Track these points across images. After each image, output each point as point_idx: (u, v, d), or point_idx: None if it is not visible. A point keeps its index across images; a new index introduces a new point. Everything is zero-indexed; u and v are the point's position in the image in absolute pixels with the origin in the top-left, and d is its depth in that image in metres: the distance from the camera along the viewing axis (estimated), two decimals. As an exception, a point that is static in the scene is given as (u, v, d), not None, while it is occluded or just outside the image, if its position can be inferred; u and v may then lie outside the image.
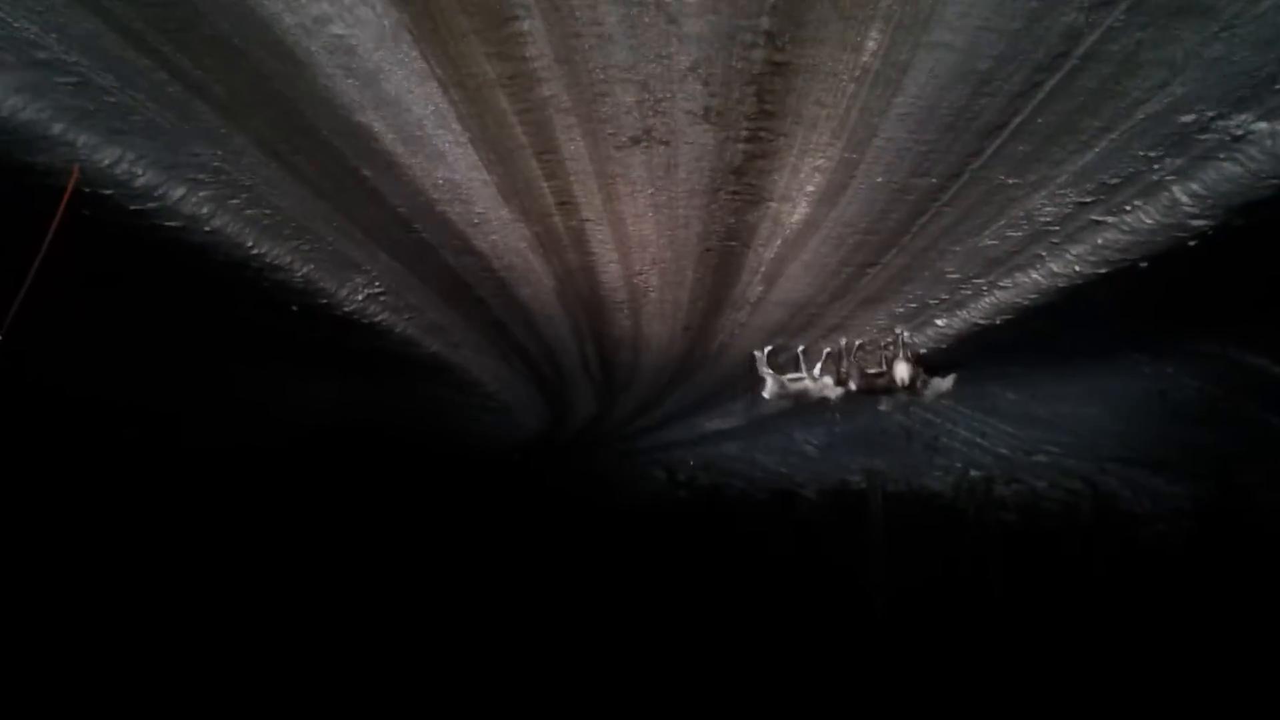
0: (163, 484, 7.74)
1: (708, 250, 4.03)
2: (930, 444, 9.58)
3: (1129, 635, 9.45)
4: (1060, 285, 4.25)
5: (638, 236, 3.84)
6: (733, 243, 3.94)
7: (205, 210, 3.37)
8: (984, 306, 4.76)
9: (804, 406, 5.91)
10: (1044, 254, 4.01)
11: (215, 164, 3.11)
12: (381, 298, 4.64)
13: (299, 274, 4.05)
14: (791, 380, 5.55)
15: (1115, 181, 3.26)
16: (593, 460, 11.46)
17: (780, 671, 10.59)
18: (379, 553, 10.03)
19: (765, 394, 5.61)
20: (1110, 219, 3.58)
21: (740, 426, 9.18)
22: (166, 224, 3.38)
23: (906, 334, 5.47)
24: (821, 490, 11.24)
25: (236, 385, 6.60)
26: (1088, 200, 3.43)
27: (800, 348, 5.81)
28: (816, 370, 5.59)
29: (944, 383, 5.55)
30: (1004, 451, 9.28)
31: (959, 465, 9.83)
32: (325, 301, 4.45)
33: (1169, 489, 9.04)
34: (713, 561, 11.50)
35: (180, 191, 3.22)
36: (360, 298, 4.54)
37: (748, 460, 10.82)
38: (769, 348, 5.59)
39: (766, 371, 5.58)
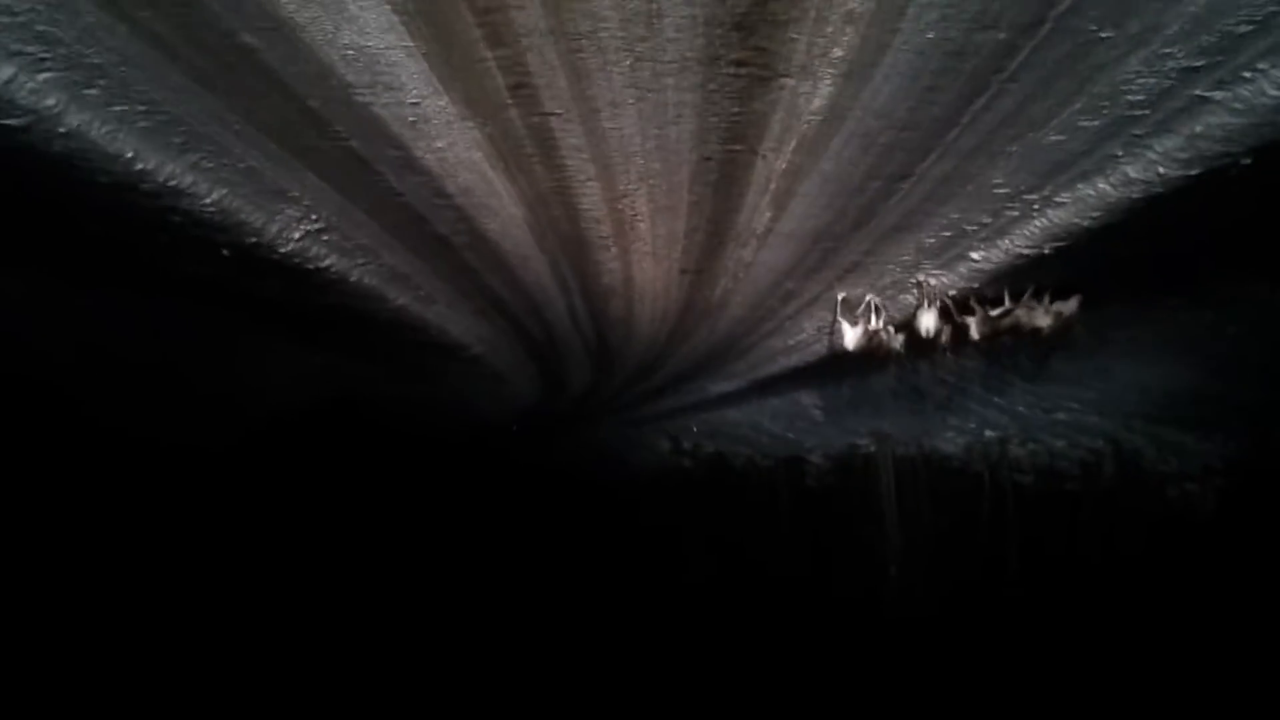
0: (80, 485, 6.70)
1: (705, 160, 3.09)
2: (942, 404, 8.65)
3: (1150, 599, 8.59)
4: (1132, 198, 3.30)
5: (617, 139, 2.90)
6: (736, 146, 3.00)
7: (53, 102, 2.44)
8: (1031, 232, 3.80)
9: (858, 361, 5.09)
10: (1119, 153, 3.05)
11: (40, 26, 2.17)
12: (324, 236, 3.71)
13: (209, 200, 3.12)
14: (873, 331, 4.68)
15: (1244, 30, 2.30)
16: (594, 430, 10.56)
17: (790, 643, 9.80)
18: (371, 544, 9.17)
19: (849, 345, 4.72)
20: (1219, 94, 2.62)
21: (744, 389, 8.26)
22: (4, 122, 2.45)
23: (934, 273, 4.54)
24: (829, 455, 10.33)
25: (178, 360, 5.66)
26: (1198, 64, 2.47)
27: (815, 293, 4.89)
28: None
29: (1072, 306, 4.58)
30: (1021, 410, 8.34)
31: (973, 426, 8.90)
32: (255, 240, 3.52)
33: (1198, 446, 8.10)
34: (720, 531, 10.64)
35: (8, 71, 2.29)
36: (297, 235, 3.60)
37: (753, 425, 9.91)
38: (843, 295, 4.70)
39: (847, 321, 4.71)
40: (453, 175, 3.17)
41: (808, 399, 8.98)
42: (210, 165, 2.96)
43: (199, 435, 6.92)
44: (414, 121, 2.75)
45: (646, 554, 10.64)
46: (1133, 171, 3.14)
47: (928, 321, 4.65)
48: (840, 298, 4.72)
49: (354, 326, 5.11)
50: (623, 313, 5.23)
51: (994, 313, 4.41)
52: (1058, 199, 3.46)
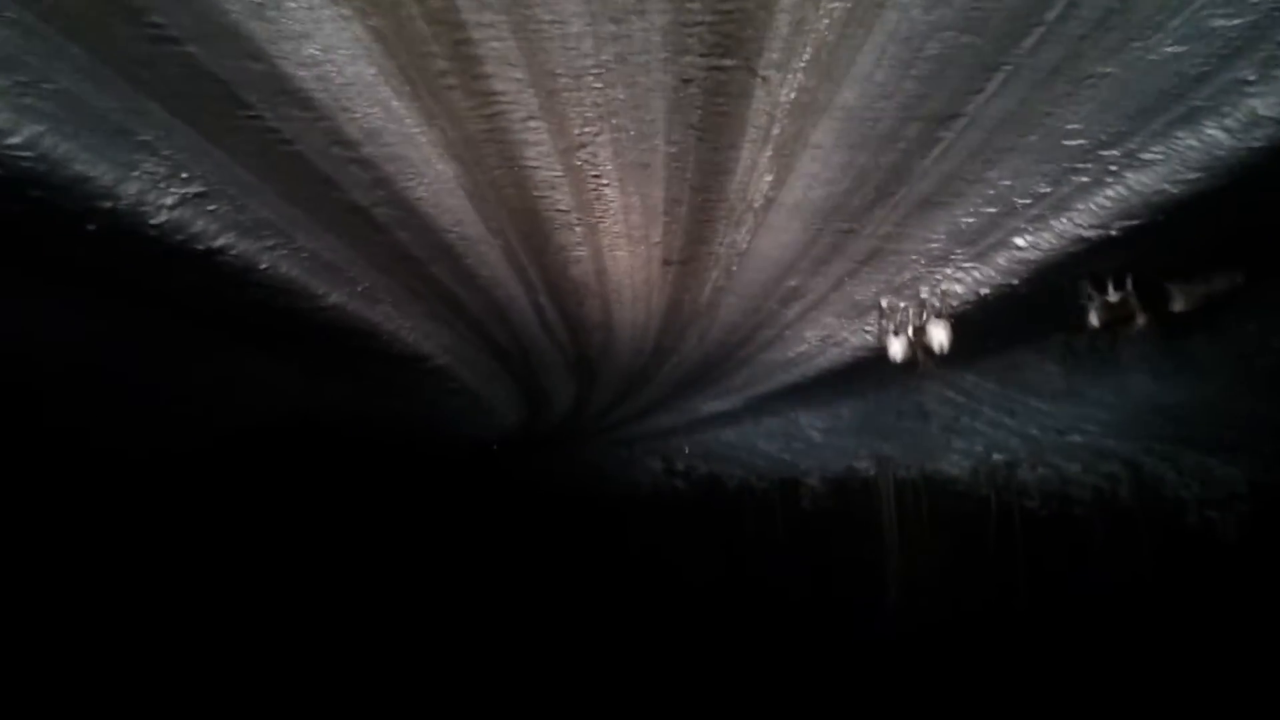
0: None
1: (685, 83, 2.10)
2: (949, 425, 7.63)
3: (1162, 632, 7.52)
4: (1249, 149, 2.32)
5: (558, 42, 1.92)
6: (726, 61, 2.01)
7: None
8: (1098, 206, 2.80)
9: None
10: (1252, 77, 2.07)
11: None
12: (210, 206, 2.73)
13: (19, 141, 2.15)
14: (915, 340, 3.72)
15: None
16: (582, 450, 9.54)
17: (786, 672, 8.72)
18: (346, 563, 8.13)
19: (895, 355, 3.75)
20: None
21: (739, 409, 7.27)
22: None
23: (965, 266, 3.54)
24: (826, 478, 9.29)
25: (119, 367, 4.65)
26: None
27: (821, 293, 3.89)
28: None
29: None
30: (1034, 432, 7.32)
31: (980, 448, 7.87)
32: (111, 206, 2.54)
33: (1223, 470, 7.05)
34: (713, 556, 9.59)
35: None
36: (169, 202, 2.62)
37: (748, 447, 8.88)
38: (885, 301, 3.75)
39: (891, 327, 3.76)
40: (347, 108, 2.19)
41: (806, 419, 7.97)
42: (10, 87, 1.99)
43: (154, 446, 5.88)
44: (261, 4, 1.77)
45: (638, 576, 9.60)
46: (1264, 107, 2.15)
47: (940, 335, 3.67)
48: (884, 304, 3.76)
49: (291, 330, 4.12)
50: (599, 316, 4.24)
51: (1112, 298, 3.39)
52: (1145, 154, 2.47)
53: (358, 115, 2.22)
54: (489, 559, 9.13)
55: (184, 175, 2.53)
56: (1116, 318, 3.33)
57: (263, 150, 2.42)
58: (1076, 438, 7.15)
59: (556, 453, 9.37)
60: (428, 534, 8.78)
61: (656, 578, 9.41)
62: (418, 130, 2.30)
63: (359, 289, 3.70)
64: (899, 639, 8.57)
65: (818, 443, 8.57)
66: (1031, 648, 8.09)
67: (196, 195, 2.64)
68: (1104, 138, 2.39)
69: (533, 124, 2.27)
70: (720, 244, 3.23)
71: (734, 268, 3.52)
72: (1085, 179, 2.65)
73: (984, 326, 4.26)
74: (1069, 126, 2.34)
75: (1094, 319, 3.35)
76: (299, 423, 5.89)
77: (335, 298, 3.67)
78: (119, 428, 5.22)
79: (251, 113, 2.21)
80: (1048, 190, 2.75)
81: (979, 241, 3.20)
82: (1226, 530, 7.47)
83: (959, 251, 3.32)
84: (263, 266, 3.19)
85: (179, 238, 2.82)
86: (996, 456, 7.91)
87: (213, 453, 5.98)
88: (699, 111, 2.23)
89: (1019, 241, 3.16)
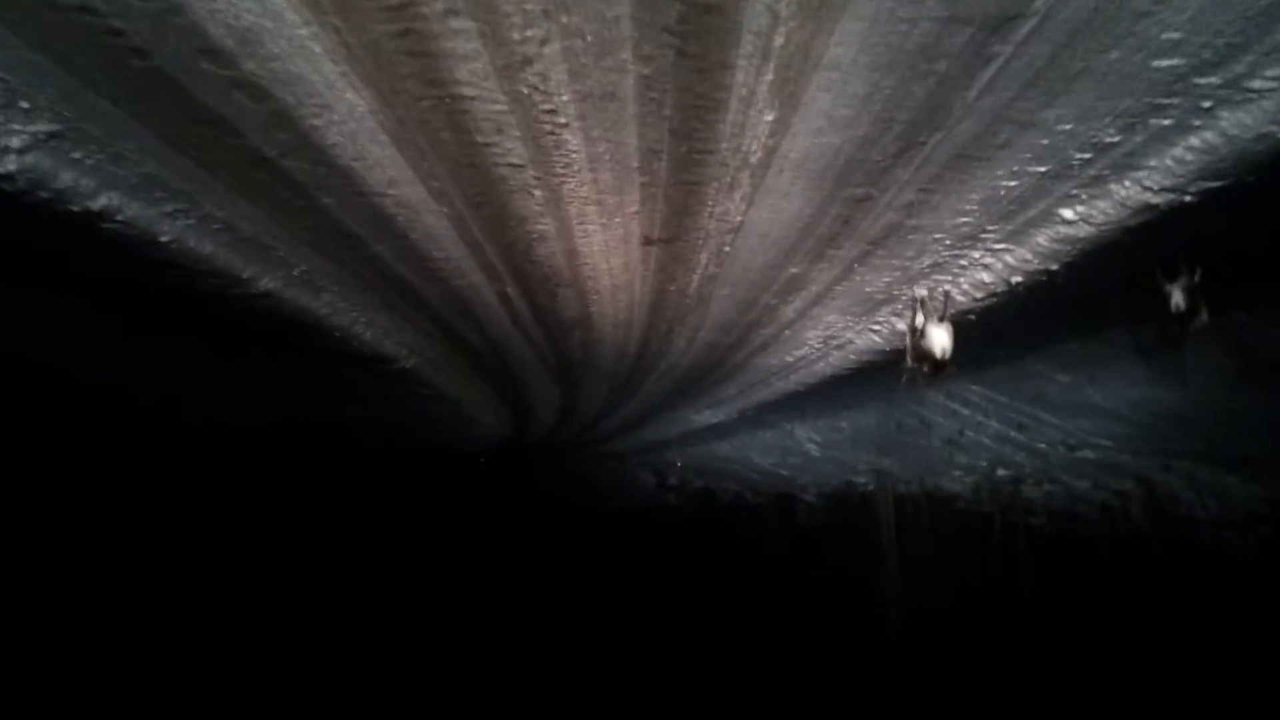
0: None
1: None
2: (953, 439, 6.94)
3: (1172, 659, 6.77)
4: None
5: None
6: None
7: None
8: (1176, 162, 2.15)
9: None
10: None
11: None
12: (75, 153, 2.08)
13: None
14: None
15: None
16: (572, 464, 8.84)
17: (780, 696, 7.95)
18: (324, 588, 7.40)
19: (939, 347, 3.06)
20: None
21: (733, 420, 6.58)
22: None
23: (995, 247, 2.87)
24: (823, 493, 8.58)
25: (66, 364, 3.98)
26: None
27: (825, 284, 3.23)
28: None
29: None
30: (1042, 446, 6.62)
31: (984, 464, 7.17)
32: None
33: (1243, 489, 6.35)
34: (706, 573, 8.85)
35: None
36: (16, 145, 1.98)
37: (743, 460, 8.18)
38: (922, 294, 3.08)
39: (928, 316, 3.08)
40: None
41: (803, 431, 7.28)
42: None
43: (91, 454, 5.20)
44: None
45: (628, 593, 8.87)
46: None
47: (943, 338, 3.00)
48: (919, 294, 3.07)
49: (229, 322, 3.46)
50: (576, 311, 3.57)
51: (1192, 284, 2.73)
52: (1255, 80, 1.82)
53: (219, 6, 1.57)
54: (475, 575, 8.40)
55: (24, 105, 1.88)
56: (1191, 308, 2.67)
57: (112, 65, 1.77)
58: (1088, 453, 6.46)
59: (545, 465, 8.67)
60: (411, 548, 8.07)
61: (647, 595, 8.67)
62: (306, 33, 1.65)
63: (295, 273, 3.04)
64: (898, 663, 7.83)
65: (815, 456, 7.87)
66: (1035, 672, 7.35)
67: (50, 135, 2.00)
68: (1207, 55, 1.74)
69: (457, 23, 1.61)
70: (710, 216, 2.57)
71: (726, 249, 2.86)
72: (1167, 121, 1.99)
73: (997, 329, 3.63)
74: (1165, 36, 1.68)
75: (1178, 303, 2.68)
76: (267, 429, 5.21)
77: (269, 283, 3.03)
78: (51, 430, 4.54)
79: (95, 15, 1.56)
80: (1115, 139, 2.09)
81: (1018, 214, 2.54)
82: (1243, 553, 6.76)
83: (991, 229, 2.66)
84: (166, 239, 2.54)
85: (44, 194, 2.18)
86: (1001, 472, 7.21)
87: (170, 461, 5.30)
88: (678, 5, 1.57)
89: (1067, 213, 2.50)
